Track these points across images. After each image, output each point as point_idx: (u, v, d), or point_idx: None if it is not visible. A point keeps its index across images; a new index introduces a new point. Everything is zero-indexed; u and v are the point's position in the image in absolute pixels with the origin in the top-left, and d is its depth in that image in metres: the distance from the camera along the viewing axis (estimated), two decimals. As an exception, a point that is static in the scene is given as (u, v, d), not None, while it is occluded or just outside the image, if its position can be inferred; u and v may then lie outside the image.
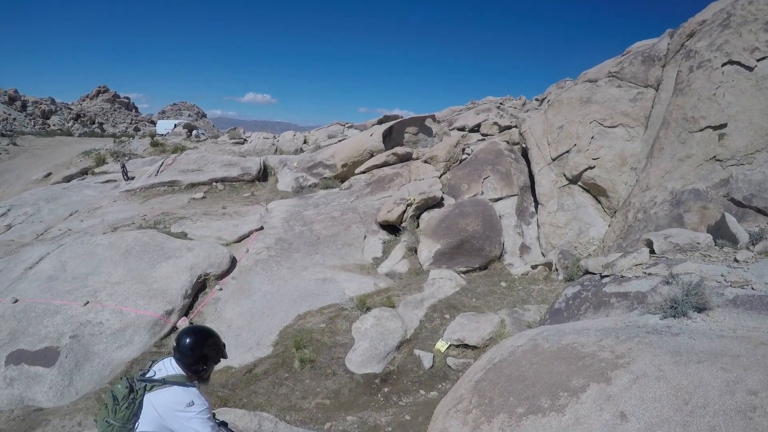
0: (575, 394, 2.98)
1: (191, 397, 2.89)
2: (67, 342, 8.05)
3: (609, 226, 11.78)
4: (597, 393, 2.90)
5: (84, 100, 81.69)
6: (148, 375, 3.01)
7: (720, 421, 2.34)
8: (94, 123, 71.12)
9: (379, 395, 7.16)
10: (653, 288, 4.73)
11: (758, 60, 9.75)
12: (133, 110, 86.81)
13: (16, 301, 8.92)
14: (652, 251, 6.11)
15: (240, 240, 12.99)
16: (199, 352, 3.05)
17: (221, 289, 10.38)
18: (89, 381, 7.62)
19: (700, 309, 3.85)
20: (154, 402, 2.87)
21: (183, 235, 12.71)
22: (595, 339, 3.61)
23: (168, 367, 3.03)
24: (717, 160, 9.60)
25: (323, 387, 7.38)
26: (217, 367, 7.81)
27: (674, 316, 3.87)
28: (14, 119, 57.53)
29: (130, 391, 2.90)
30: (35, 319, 8.47)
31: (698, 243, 5.99)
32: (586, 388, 2.98)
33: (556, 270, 11.24)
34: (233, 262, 11.50)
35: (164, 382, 2.94)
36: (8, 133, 38.60)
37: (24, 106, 63.41)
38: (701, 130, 10.06)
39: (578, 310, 5.70)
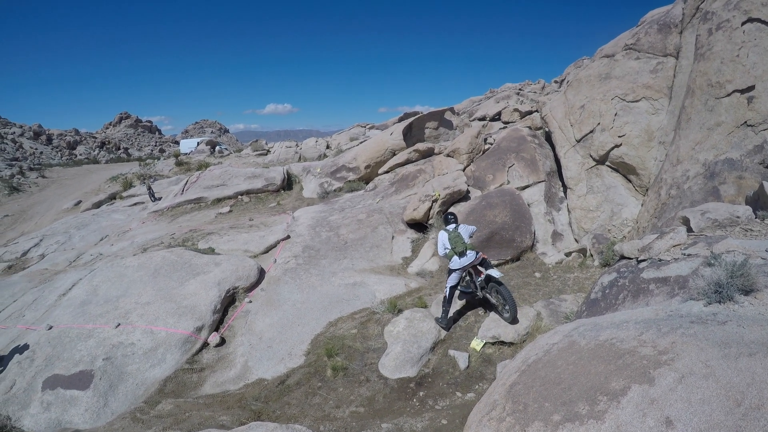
0: (615, 398, 2.75)
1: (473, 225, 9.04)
2: (101, 364, 8.16)
3: (642, 205, 11.32)
4: (639, 396, 2.67)
5: (107, 128, 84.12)
6: (450, 227, 8.27)
7: (779, 425, 2.08)
8: (119, 149, 73.11)
9: (414, 400, 6.99)
10: (694, 270, 4.42)
11: (781, 15, 9.20)
12: (157, 132, 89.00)
13: (50, 327, 9.13)
14: (689, 229, 5.77)
15: (267, 251, 12.98)
16: (454, 218, 8.52)
17: (251, 302, 10.37)
18: (124, 401, 7.71)
19: (747, 291, 3.54)
20: (463, 229, 8.26)
21: (210, 251, 12.77)
22: (635, 333, 3.37)
23: (452, 224, 8.30)
24: (748, 126, 9.07)
25: (357, 394, 7.26)
26: (250, 379, 7.84)
27: (719, 302, 3.57)
28: (41, 153, 59.56)
29: (453, 230, 8.16)
30: (69, 343, 8.64)
31: (738, 217, 5.62)
32: (627, 390, 2.75)
33: (591, 256, 10.85)
34: (261, 273, 11.49)
35: (458, 226, 8.31)
36: (36, 166, 39.92)
37: (49, 140, 65.59)
38: (728, 95, 9.53)
39: (615, 300, 5.42)
